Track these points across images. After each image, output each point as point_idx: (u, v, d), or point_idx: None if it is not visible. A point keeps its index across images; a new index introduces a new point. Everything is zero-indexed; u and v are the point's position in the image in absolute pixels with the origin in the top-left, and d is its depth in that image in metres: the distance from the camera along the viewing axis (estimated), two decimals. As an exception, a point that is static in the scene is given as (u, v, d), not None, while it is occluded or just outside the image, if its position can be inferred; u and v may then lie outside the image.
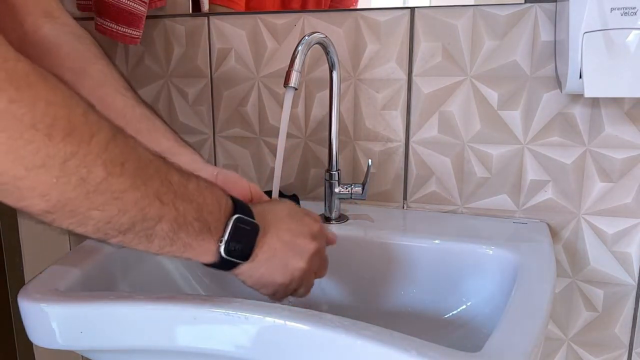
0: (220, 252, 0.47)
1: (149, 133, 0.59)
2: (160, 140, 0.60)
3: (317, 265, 0.55)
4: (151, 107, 0.63)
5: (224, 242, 0.47)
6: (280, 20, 0.79)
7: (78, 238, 0.97)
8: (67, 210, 0.38)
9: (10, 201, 0.37)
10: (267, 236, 0.50)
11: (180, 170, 0.45)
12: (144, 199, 0.41)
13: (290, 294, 0.54)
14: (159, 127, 0.61)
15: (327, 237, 0.57)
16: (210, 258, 0.47)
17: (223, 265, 0.48)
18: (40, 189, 0.36)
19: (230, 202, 0.48)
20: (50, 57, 0.58)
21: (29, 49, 0.57)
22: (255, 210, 0.50)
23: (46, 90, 0.36)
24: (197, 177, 0.46)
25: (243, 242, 0.48)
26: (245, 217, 0.48)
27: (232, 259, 0.48)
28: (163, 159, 0.44)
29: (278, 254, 0.51)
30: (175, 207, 0.43)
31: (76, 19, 0.87)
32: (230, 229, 0.47)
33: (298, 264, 0.52)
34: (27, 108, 0.34)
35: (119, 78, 0.62)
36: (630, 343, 0.75)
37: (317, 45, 0.66)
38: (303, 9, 0.80)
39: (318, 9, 0.78)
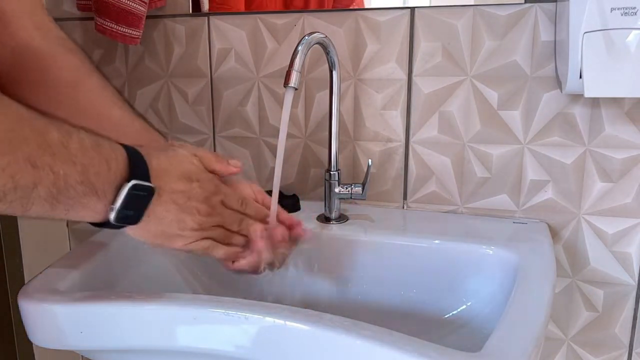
0: (109, 217, 0.44)
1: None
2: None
3: (218, 220, 0.53)
4: (146, 119, 0.62)
5: (115, 210, 0.44)
6: (280, 20, 0.79)
7: (78, 238, 0.97)
8: None
9: None
10: (161, 199, 0.47)
11: (61, 128, 0.40)
12: (12, 165, 0.37)
13: (198, 246, 0.52)
14: (156, 140, 0.60)
15: (229, 195, 0.54)
16: (98, 220, 0.45)
17: (110, 227, 0.46)
18: None
19: (123, 160, 0.45)
20: (44, 70, 0.57)
21: (21, 61, 0.56)
22: (152, 165, 0.47)
23: None
24: (81, 134, 0.42)
25: (134, 208, 0.45)
26: (141, 183, 0.45)
27: (121, 224, 0.46)
28: (43, 115, 0.40)
29: (170, 216, 0.49)
30: (53, 170, 0.39)
31: (76, 19, 0.87)
32: (124, 197, 0.44)
33: (189, 225, 0.50)
34: None
35: (114, 91, 0.61)
36: (630, 343, 0.75)
37: (317, 45, 0.66)
38: (305, 8, 0.79)
39: (318, 9, 0.78)
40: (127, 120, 0.59)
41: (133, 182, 0.44)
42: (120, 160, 0.44)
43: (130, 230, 0.48)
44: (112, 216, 0.44)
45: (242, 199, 0.56)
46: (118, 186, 0.44)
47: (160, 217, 0.48)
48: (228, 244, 0.55)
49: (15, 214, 0.40)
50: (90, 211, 0.44)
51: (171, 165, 0.50)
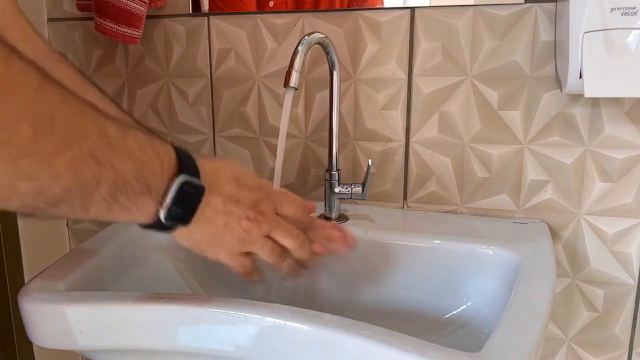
0: (159, 216, 0.42)
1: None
2: None
3: (266, 229, 0.50)
4: (149, 128, 0.58)
5: (165, 206, 0.42)
6: (280, 20, 0.79)
7: (78, 238, 0.97)
8: None
9: None
10: (211, 199, 0.46)
11: (116, 122, 0.39)
12: (78, 159, 0.35)
13: (240, 262, 0.51)
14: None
15: (282, 202, 0.52)
16: (149, 220, 0.43)
17: (160, 228, 0.44)
18: None
19: (174, 159, 0.43)
20: None
21: None
22: (202, 166, 0.45)
23: None
24: (136, 129, 0.41)
25: (185, 206, 0.44)
26: (192, 180, 0.43)
27: (171, 224, 0.44)
28: (97, 108, 0.38)
29: (217, 219, 0.47)
30: (113, 166, 0.38)
31: (76, 19, 0.88)
32: (174, 192, 0.42)
33: (236, 230, 0.48)
34: None
35: (112, 103, 0.59)
36: (630, 343, 0.75)
37: (317, 45, 0.66)
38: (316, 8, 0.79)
39: (318, 9, 0.78)
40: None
41: (183, 177, 0.43)
42: (172, 158, 0.43)
43: (178, 234, 0.47)
44: (162, 214, 0.42)
45: (297, 207, 0.53)
46: (169, 182, 0.42)
47: (208, 219, 0.47)
48: (275, 259, 0.52)
49: (73, 216, 0.39)
50: (143, 212, 0.42)
51: (220, 167, 0.49)
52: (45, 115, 0.33)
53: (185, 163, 0.44)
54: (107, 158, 0.37)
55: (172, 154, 0.44)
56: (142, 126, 0.56)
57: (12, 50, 0.32)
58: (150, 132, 0.43)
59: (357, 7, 0.76)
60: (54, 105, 0.34)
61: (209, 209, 0.46)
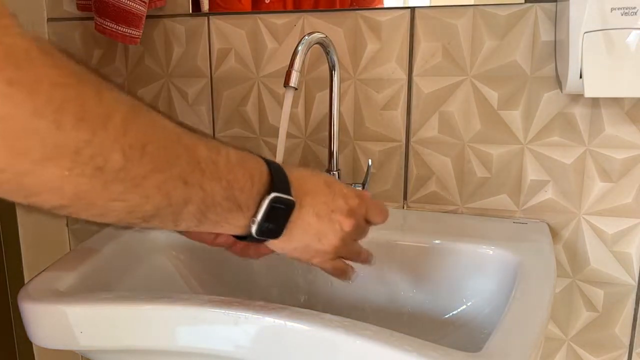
0: (251, 230, 0.44)
1: None
2: None
3: (357, 236, 0.52)
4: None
5: (256, 222, 0.44)
6: (280, 20, 0.79)
7: (78, 238, 0.97)
8: (84, 203, 0.35)
9: (17, 198, 0.33)
10: (302, 211, 0.47)
11: (209, 143, 0.41)
12: (168, 182, 0.37)
13: (334, 266, 0.52)
14: None
15: (372, 209, 0.53)
16: (241, 233, 0.45)
17: (253, 240, 0.46)
18: (50, 184, 0.32)
19: (265, 174, 0.45)
20: None
21: None
22: (293, 179, 0.46)
23: (50, 68, 0.31)
24: (228, 149, 0.43)
25: (276, 222, 0.45)
26: (282, 196, 0.44)
27: (264, 238, 0.45)
28: (190, 130, 0.40)
29: (311, 230, 0.48)
30: (202, 187, 0.40)
31: (76, 19, 0.87)
32: (265, 210, 0.44)
33: (331, 240, 0.49)
34: (27, 91, 0.29)
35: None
36: (630, 343, 0.75)
37: (317, 45, 0.66)
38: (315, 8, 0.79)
39: (318, 9, 0.78)
40: None
41: (273, 195, 0.44)
42: (263, 174, 0.44)
43: (271, 244, 0.48)
44: (254, 229, 0.44)
45: (386, 217, 0.54)
46: (260, 200, 0.44)
47: (301, 230, 0.47)
48: (362, 263, 0.54)
49: (165, 228, 0.41)
50: (234, 226, 0.44)
51: (312, 177, 0.49)
52: (135, 143, 0.35)
53: (277, 178, 0.45)
54: (196, 180, 0.39)
55: (264, 170, 0.45)
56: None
57: (103, 79, 0.34)
58: (242, 149, 0.45)
59: (357, 7, 0.76)
60: (145, 132, 0.36)
61: (301, 220, 0.47)
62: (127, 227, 0.40)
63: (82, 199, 0.34)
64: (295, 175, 0.47)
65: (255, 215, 0.44)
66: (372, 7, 0.75)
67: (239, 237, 0.46)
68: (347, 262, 0.54)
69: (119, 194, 0.35)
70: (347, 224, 0.49)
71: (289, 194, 0.45)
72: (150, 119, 0.37)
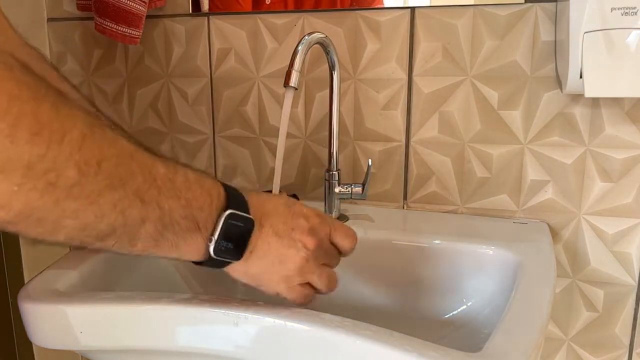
0: (209, 251, 0.43)
1: None
2: None
3: (322, 258, 0.50)
4: (125, 131, 0.56)
5: (213, 241, 0.43)
6: (280, 20, 0.79)
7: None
8: (34, 219, 0.33)
9: None
10: (262, 231, 0.46)
11: (167, 162, 0.40)
12: (123, 200, 0.36)
13: (300, 293, 0.49)
14: None
15: (338, 231, 0.51)
16: (199, 257, 0.44)
17: (213, 264, 0.44)
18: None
19: (222, 193, 0.44)
20: None
21: None
22: (251, 200, 0.46)
23: (8, 81, 0.31)
24: (186, 168, 0.42)
25: (235, 240, 0.44)
26: (239, 213, 0.44)
27: (223, 259, 0.44)
28: (147, 149, 0.39)
29: (272, 251, 0.46)
30: (159, 205, 0.39)
31: (76, 19, 0.87)
32: (222, 227, 0.43)
33: (294, 260, 0.47)
34: None
35: (83, 98, 0.57)
36: (630, 343, 0.75)
37: (317, 45, 0.66)
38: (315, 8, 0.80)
39: (318, 8, 0.78)
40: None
41: (230, 211, 0.43)
42: (220, 194, 0.44)
43: (233, 270, 0.46)
44: (211, 248, 0.43)
45: (354, 242, 0.52)
46: (217, 216, 0.43)
47: (262, 252, 0.46)
48: (331, 288, 0.51)
49: (122, 250, 0.40)
50: (192, 247, 0.43)
51: (272, 199, 0.49)
52: (91, 159, 0.34)
53: (234, 197, 0.44)
54: (153, 197, 0.38)
55: (221, 190, 0.44)
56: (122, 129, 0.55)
57: (60, 95, 0.33)
58: (200, 171, 0.44)
59: (357, 7, 0.76)
60: (101, 149, 0.35)
61: (261, 241, 0.46)
62: (80, 247, 0.37)
63: (31, 215, 0.33)
64: (253, 198, 0.47)
65: (212, 233, 0.43)
66: (372, 7, 0.75)
67: (197, 263, 0.45)
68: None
69: (72, 211, 0.34)
70: (310, 243, 0.47)
71: (247, 212, 0.45)
72: (107, 136, 0.36)
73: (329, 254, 0.51)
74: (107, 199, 0.36)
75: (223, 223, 0.43)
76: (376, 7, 0.75)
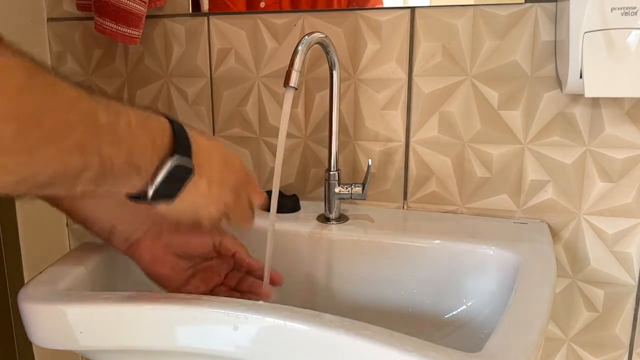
0: (147, 193, 0.44)
1: None
2: None
3: (239, 214, 0.54)
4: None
5: (154, 186, 0.43)
6: (280, 20, 0.79)
7: (78, 238, 0.97)
8: None
9: None
10: (197, 178, 0.47)
11: (109, 107, 0.39)
12: (64, 152, 0.36)
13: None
14: None
15: (254, 189, 0.56)
16: (132, 192, 0.44)
17: (142, 200, 0.45)
18: None
19: (168, 136, 0.44)
20: None
21: None
22: (196, 144, 0.47)
23: None
24: (129, 112, 0.42)
25: (172, 185, 0.45)
26: (182, 163, 0.45)
27: (156, 201, 0.45)
28: (90, 94, 0.38)
29: (199, 197, 0.48)
30: (100, 154, 0.38)
31: (76, 19, 0.87)
32: (164, 175, 0.43)
33: (211, 213, 0.50)
34: None
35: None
36: (630, 343, 0.75)
37: (317, 45, 0.66)
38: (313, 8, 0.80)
39: (318, 8, 0.78)
40: None
41: (175, 159, 0.44)
42: (165, 136, 0.44)
43: (161, 206, 0.47)
44: (150, 192, 0.44)
45: (263, 202, 0.56)
46: (160, 163, 0.43)
47: (191, 197, 0.47)
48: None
49: (57, 195, 0.40)
50: (130, 187, 0.43)
51: (212, 148, 0.50)
52: (29, 113, 0.32)
53: (180, 142, 0.45)
54: (94, 147, 0.38)
55: (167, 133, 0.44)
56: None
57: None
58: (147, 109, 0.44)
59: (357, 7, 0.76)
60: (39, 101, 0.33)
61: (194, 189, 0.47)
62: (17, 197, 0.38)
63: None
64: (198, 142, 0.47)
65: (153, 179, 0.43)
66: (372, 7, 0.75)
67: (131, 197, 0.45)
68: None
69: (10, 168, 0.33)
70: (230, 200, 0.51)
71: (189, 157, 0.45)
72: (47, 85, 0.35)
73: (244, 207, 0.54)
74: (46, 152, 0.34)
75: (166, 173, 0.44)
76: (376, 7, 0.75)
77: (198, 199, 0.48)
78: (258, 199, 0.56)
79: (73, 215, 0.55)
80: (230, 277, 0.62)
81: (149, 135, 0.43)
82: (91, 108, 0.38)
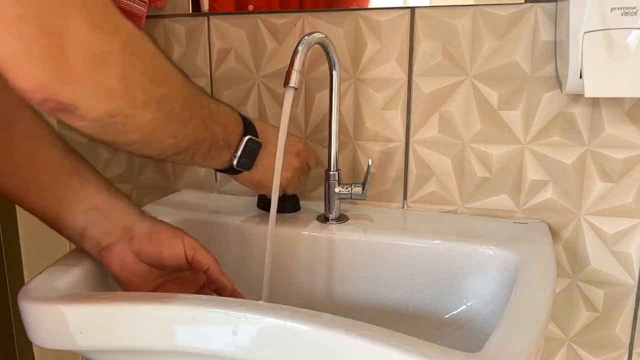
0: (232, 163, 0.61)
1: (82, 188, 0.56)
2: (92, 195, 0.56)
3: (301, 173, 0.72)
4: (81, 156, 0.58)
5: (237, 157, 0.61)
6: (280, 20, 0.79)
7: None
8: (151, 139, 0.47)
9: (110, 136, 0.44)
10: (265, 151, 0.64)
11: (212, 98, 0.57)
12: (199, 125, 0.52)
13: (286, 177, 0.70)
14: (90, 179, 0.57)
15: (312, 155, 0.74)
16: (223, 166, 0.62)
17: (230, 171, 0.63)
18: (139, 124, 0.44)
19: (241, 123, 0.62)
20: None
21: None
22: (260, 128, 0.64)
23: (146, 41, 0.43)
24: (222, 104, 0.58)
25: (249, 156, 0.62)
26: (254, 138, 0.62)
27: (239, 169, 0.62)
28: (202, 89, 0.54)
29: (271, 165, 0.61)
30: (212, 131, 0.55)
31: (76, 19, 0.87)
32: (243, 147, 0.61)
33: (285, 174, 0.68)
34: (140, 58, 0.42)
35: (47, 127, 0.57)
36: (630, 343, 0.75)
37: (317, 45, 0.66)
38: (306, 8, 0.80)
39: (318, 8, 0.78)
40: (57, 161, 0.56)
41: (248, 136, 0.61)
42: (239, 123, 0.61)
43: (242, 179, 0.65)
44: (235, 162, 0.61)
45: (318, 163, 0.76)
46: (239, 140, 0.61)
47: (263, 167, 0.64)
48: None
49: (183, 162, 0.55)
50: (223, 160, 0.61)
51: (273, 129, 0.66)
52: (186, 95, 0.50)
53: (248, 126, 0.62)
54: (210, 124, 0.55)
55: (240, 120, 0.62)
56: (89, 165, 0.59)
57: (158, 46, 0.46)
58: (226, 104, 0.61)
59: (357, 7, 0.76)
60: (188, 89, 0.50)
61: (265, 158, 0.64)
62: (160, 160, 0.63)
63: (152, 135, 0.47)
64: (261, 126, 0.65)
65: (236, 151, 0.61)
66: (372, 7, 0.75)
67: (221, 171, 0.63)
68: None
69: (173, 133, 0.49)
70: (296, 162, 0.70)
71: (257, 137, 0.63)
72: (189, 85, 0.51)
73: (304, 169, 0.73)
74: (191, 123, 0.51)
75: (244, 145, 0.61)
76: (376, 7, 0.75)
77: (267, 166, 0.63)
78: (315, 161, 0.74)
79: (41, 215, 0.58)
80: (203, 292, 0.62)
81: (234, 120, 0.60)
82: (206, 97, 0.55)
